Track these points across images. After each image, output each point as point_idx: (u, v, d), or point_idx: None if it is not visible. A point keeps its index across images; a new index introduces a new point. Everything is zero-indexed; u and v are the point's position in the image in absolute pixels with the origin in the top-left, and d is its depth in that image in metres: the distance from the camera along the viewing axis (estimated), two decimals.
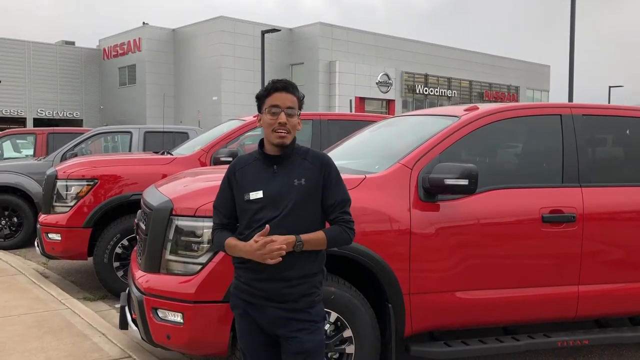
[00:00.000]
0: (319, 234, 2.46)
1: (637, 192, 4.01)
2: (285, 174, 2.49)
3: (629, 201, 3.96)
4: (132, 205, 5.62)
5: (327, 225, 2.55)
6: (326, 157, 2.58)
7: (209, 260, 3.17)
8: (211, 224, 3.17)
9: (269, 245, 2.33)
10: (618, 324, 4.25)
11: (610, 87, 48.68)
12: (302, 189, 2.47)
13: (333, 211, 2.51)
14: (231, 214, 2.57)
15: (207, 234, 3.19)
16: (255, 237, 2.37)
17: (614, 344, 4.36)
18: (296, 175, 2.48)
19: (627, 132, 4.30)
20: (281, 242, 2.35)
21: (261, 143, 2.57)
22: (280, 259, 2.35)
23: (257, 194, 2.48)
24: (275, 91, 2.50)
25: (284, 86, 2.52)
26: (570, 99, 20.79)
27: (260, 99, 2.56)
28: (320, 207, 2.52)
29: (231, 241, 2.49)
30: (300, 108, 2.56)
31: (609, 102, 37.89)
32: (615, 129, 4.33)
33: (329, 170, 2.53)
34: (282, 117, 2.46)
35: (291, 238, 2.38)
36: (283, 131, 2.46)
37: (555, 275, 3.75)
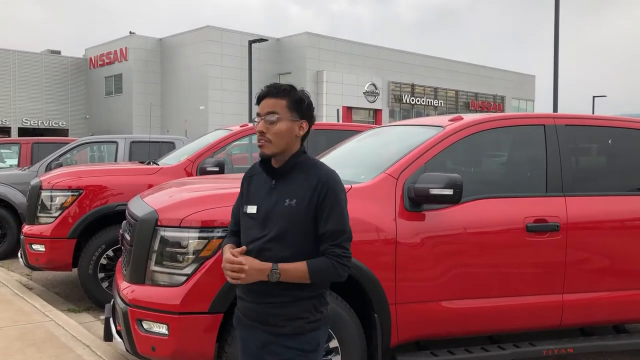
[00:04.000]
0: (300, 265, 2.17)
1: (620, 201, 4.06)
2: (281, 191, 2.25)
3: (612, 210, 4.00)
4: (117, 215, 5.57)
5: None
6: (327, 176, 2.23)
7: (195, 271, 3.16)
8: (196, 234, 3.20)
9: (229, 265, 2.15)
10: (602, 332, 4.28)
11: (594, 97, 49.30)
12: (291, 210, 2.20)
13: (323, 242, 2.20)
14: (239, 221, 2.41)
15: (192, 244, 3.18)
16: (233, 251, 2.21)
17: (598, 352, 4.39)
18: (290, 194, 2.23)
19: (610, 142, 4.36)
20: (250, 268, 2.13)
21: None
22: (240, 280, 2.15)
23: (253, 209, 2.30)
24: (259, 100, 2.30)
25: (266, 92, 2.28)
26: (555, 108, 21.04)
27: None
28: (314, 234, 2.22)
29: (225, 249, 2.34)
30: (293, 110, 2.26)
31: (592, 112, 38.39)
32: (598, 139, 4.38)
33: (325, 191, 2.19)
34: (259, 125, 2.24)
35: (266, 266, 2.15)
36: (262, 140, 2.24)
37: (539, 284, 3.78)
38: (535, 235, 3.72)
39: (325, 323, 2.32)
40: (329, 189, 2.20)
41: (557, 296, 3.81)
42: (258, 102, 2.31)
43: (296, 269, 2.17)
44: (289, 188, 2.24)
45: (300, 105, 2.27)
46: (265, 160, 2.32)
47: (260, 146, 2.26)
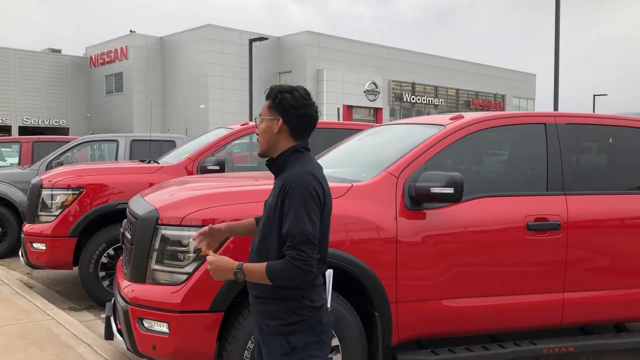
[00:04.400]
0: (260, 266, 2.21)
1: (621, 200, 4.06)
2: (274, 187, 2.37)
3: (613, 209, 4.00)
4: (118, 214, 5.58)
5: None
6: (293, 177, 2.22)
7: (195, 269, 3.16)
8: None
9: (208, 261, 2.30)
10: (603, 330, 4.28)
11: (594, 95, 49.26)
12: (268, 209, 2.32)
13: (285, 243, 2.21)
14: None
15: (192, 243, 3.18)
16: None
17: (599, 350, 4.39)
18: (273, 191, 2.35)
19: (610, 140, 4.35)
20: (216, 267, 2.26)
21: None
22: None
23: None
24: None
25: (266, 95, 2.44)
26: (556, 107, 21.02)
27: None
28: (280, 236, 2.24)
29: None
30: (274, 109, 2.34)
31: (593, 111, 38.34)
32: (598, 137, 4.38)
33: (286, 192, 2.20)
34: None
35: (232, 265, 2.24)
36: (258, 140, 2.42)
37: (540, 282, 3.78)
38: (536, 234, 3.72)
39: (309, 328, 2.26)
40: (290, 189, 2.20)
41: (558, 295, 3.81)
42: None
43: (256, 270, 2.22)
44: (275, 185, 2.34)
45: (279, 104, 2.34)
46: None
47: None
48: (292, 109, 2.32)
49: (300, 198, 2.18)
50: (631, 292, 3.99)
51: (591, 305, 3.91)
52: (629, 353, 4.72)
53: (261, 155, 2.41)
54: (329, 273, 2.39)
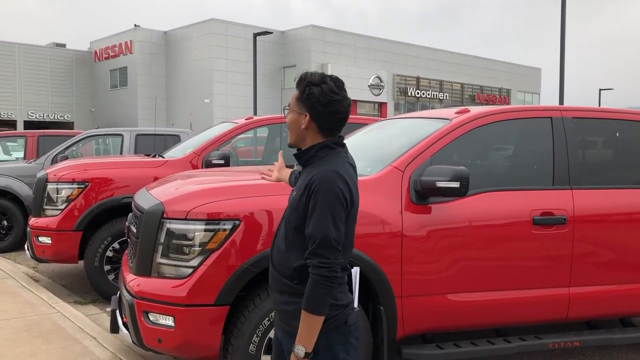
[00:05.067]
0: (303, 322, 2.05)
1: (627, 195, 4.03)
2: (299, 181, 2.23)
3: (619, 203, 3.98)
4: (123, 208, 5.59)
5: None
6: (319, 174, 2.09)
7: (201, 263, 3.16)
8: (202, 227, 3.20)
9: None
10: (609, 325, 4.27)
11: (600, 89, 49.04)
12: (293, 202, 2.18)
13: (307, 246, 2.08)
14: None
15: (198, 237, 3.18)
16: None
17: (605, 345, 4.38)
18: (298, 186, 2.20)
19: (617, 134, 4.33)
20: None
21: None
22: None
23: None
24: None
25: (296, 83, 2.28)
26: (561, 101, 20.92)
27: None
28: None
29: None
30: (302, 103, 2.19)
31: (599, 105, 38.16)
32: (605, 131, 4.36)
33: (312, 190, 2.07)
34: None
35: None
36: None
37: (546, 277, 3.76)
38: (542, 229, 3.70)
39: (334, 329, 2.12)
40: (316, 189, 2.06)
41: (564, 289, 3.80)
42: None
43: (303, 327, 2.05)
44: (301, 180, 2.20)
45: (308, 99, 2.18)
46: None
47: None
48: (320, 106, 2.16)
49: (325, 200, 2.05)
50: (637, 286, 3.97)
51: (597, 300, 3.90)
52: (635, 348, 4.71)
53: (291, 145, 2.29)
54: (355, 271, 2.28)
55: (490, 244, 3.62)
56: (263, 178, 3.12)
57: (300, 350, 2.05)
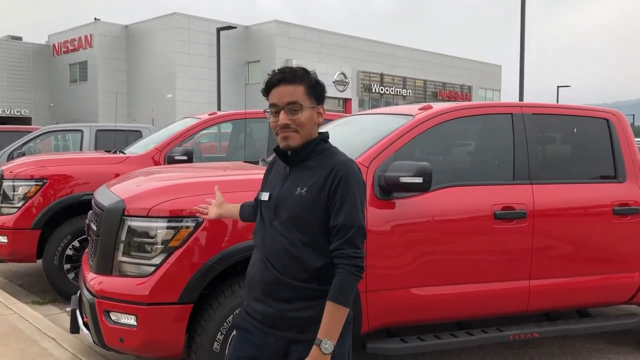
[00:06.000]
0: (331, 312, 1.97)
1: (584, 189, 4.14)
2: (295, 179, 2.12)
3: (577, 198, 4.08)
4: (83, 205, 5.46)
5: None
6: (341, 164, 2.06)
7: (163, 261, 3.11)
8: (165, 224, 3.15)
9: None
10: (566, 316, 4.39)
11: (558, 86, 50.30)
12: (301, 200, 2.06)
13: (334, 237, 2.02)
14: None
15: (161, 234, 3.13)
16: None
17: (563, 335, 4.50)
18: (302, 182, 2.09)
19: (574, 130, 4.44)
20: None
21: None
22: None
23: (265, 196, 2.18)
24: (272, 87, 2.11)
25: (280, 78, 2.09)
26: (521, 98, 21.38)
27: (265, 97, 2.16)
28: (325, 226, 2.05)
29: None
30: (315, 95, 2.11)
31: (557, 102, 39.13)
32: (563, 127, 4.46)
33: (338, 181, 2.02)
34: (282, 119, 2.07)
35: (314, 354, 1.95)
36: (287, 132, 2.08)
37: (507, 270, 3.84)
38: (502, 223, 3.77)
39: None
40: (341, 178, 2.02)
41: (524, 282, 3.88)
42: (269, 89, 2.13)
43: (330, 319, 1.97)
44: (302, 176, 2.11)
45: (316, 90, 2.13)
46: (279, 148, 2.17)
47: (285, 139, 2.10)
48: (324, 96, 2.16)
49: (355, 189, 2.04)
50: (594, 278, 4.09)
51: (556, 292, 4.00)
52: (592, 337, 4.86)
53: (296, 148, 2.11)
54: None
55: (452, 238, 3.67)
56: (197, 214, 2.80)
57: (329, 344, 1.95)
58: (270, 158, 2.41)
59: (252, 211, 2.51)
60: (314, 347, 1.96)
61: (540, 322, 4.19)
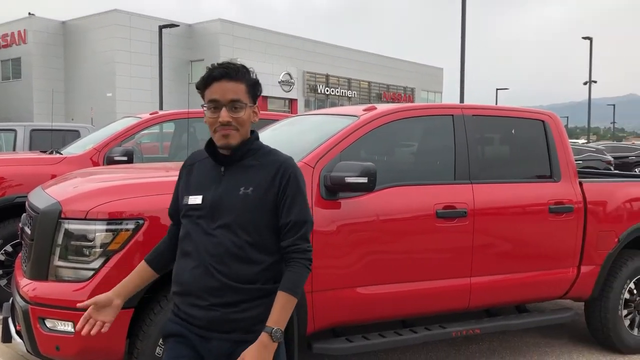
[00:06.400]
0: (281, 301, 1.99)
1: (522, 188, 4.27)
2: (233, 179, 2.07)
3: (515, 197, 4.21)
4: (16, 208, 5.23)
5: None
6: (286, 163, 2.09)
7: (102, 265, 3.01)
8: (103, 227, 3.05)
9: None
10: (506, 312, 4.52)
11: (497, 89, 52.02)
12: (247, 199, 2.03)
13: (285, 235, 2.05)
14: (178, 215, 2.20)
15: (99, 237, 3.03)
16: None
17: (503, 331, 4.64)
18: (244, 181, 2.06)
19: (512, 131, 4.58)
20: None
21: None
22: None
23: (196, 199, 2.09)
24: (213, 80, 2.05)
25: (223, 73, 2.04)
26: (462, 100, 21.96)
27: (200, 90, 2.09)
28: (273, 225, 2.07)
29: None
30: (253, 95, 2.10)
31: (496, 103, 40.35)
32: (502, 128, 4.59)
33: (287, 179, 2.05)
34: (224, 116, 2.02)
35: (264, 338, 1.95)
36: (228, 130, 2.04)
37: (449, 268, 3.92)
38: (444, 221, 3.85)
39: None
40: (290, 176, 2.06)
41: (466, 279, 3.97)
42: (209, 84, 2.06)
43: (280, 308, 1.99)
44: (243, 176, 2.07)
45: (255, 89, 2.13)
46: (212, 147, 2.13)
47: (225, 136, 2.04)
48: (259, 94, 2.16)
49: (302, 185, 2.10)
50: (531, 274, 4.22)
51: (496, 288, 4.11)
52: (530, 332, 5.03)
53: (235, 147, 2.08)
54: None
55: (396, 237, 3.72)
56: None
57: (280, 333, 1.98)
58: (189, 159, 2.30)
59: (167, 248, 2.32)
60: (264, 334, 1.97)
61: (481, 318, 4.30)
